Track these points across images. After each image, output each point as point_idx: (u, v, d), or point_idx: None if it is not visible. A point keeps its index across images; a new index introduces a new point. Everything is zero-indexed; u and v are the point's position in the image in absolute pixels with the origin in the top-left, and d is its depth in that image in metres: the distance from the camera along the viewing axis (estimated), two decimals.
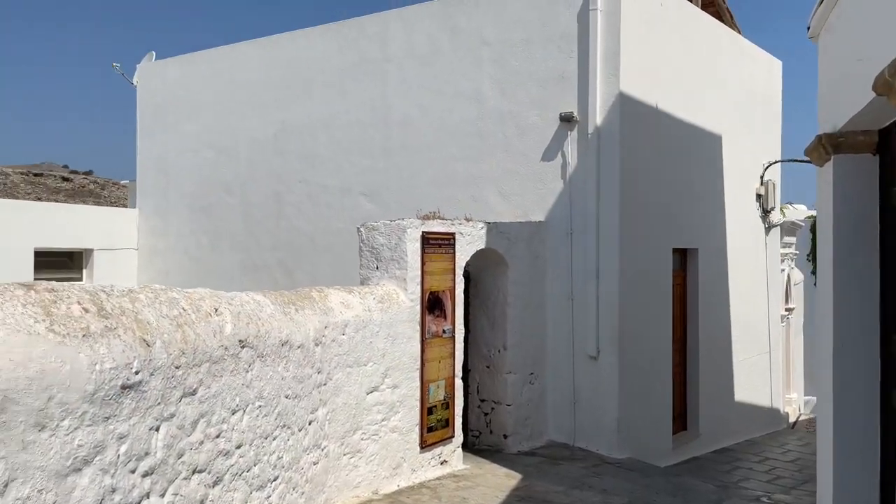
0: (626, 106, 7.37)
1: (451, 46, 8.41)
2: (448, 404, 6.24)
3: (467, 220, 6.78)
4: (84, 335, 2.51)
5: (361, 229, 6.16)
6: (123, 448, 2.69)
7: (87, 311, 2.63)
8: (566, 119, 7.49)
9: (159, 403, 3.00)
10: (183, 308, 3.43)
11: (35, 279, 10.66)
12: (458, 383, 6.41)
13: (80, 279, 11.64)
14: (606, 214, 7.30)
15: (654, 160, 7.93)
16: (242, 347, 3.85)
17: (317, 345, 4.80)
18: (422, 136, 8.65)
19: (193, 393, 3.33)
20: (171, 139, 11.32)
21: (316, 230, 9.58)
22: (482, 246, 6.80)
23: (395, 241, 5.96)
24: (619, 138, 7.29)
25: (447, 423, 6.23)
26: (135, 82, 11.99)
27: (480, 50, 8.18)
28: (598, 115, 7.35)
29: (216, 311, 3.73)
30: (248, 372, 3.89)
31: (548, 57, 7.70)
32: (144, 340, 2.93)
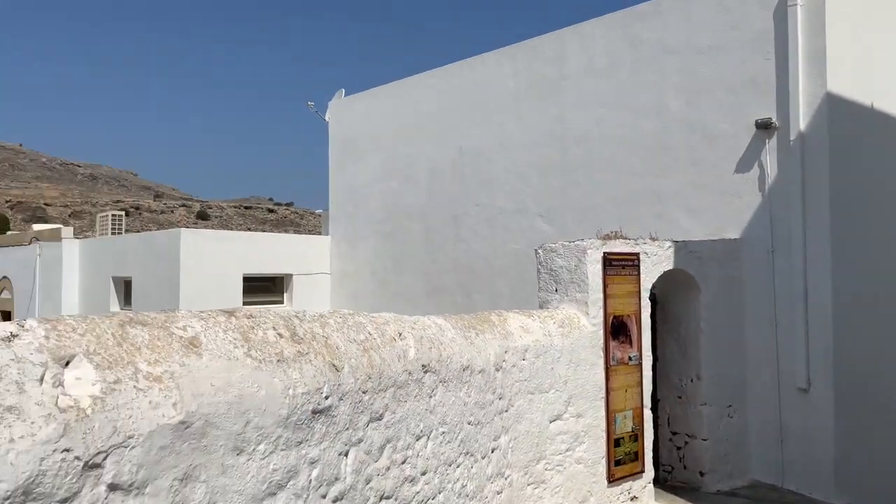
0: (835, 108, 6.57)
1: (631, 58, 8.07)
2: (637, 436, 5.85)
3: (652, 239, 6.39)
4: (278, 360, 2.60)
5: (539, 251, 6.01)
6: (315, 473, 2.75)
7: (281, 336, 2.72)
8: (763, 126, 6.84)
9: (348, 428, 3.04)
10: (369, 333, 3.48)
11: (244, 303, 11.72)
12: (648, 414, 6.00)
13: (282, 302, 12.63)
14: (815, 229, 6.53)
15: (872, 166, 7.00)
16: (425, 372, 3.84)
17: (497, 370, 4.70)
18: (601, 152, 8.36)
19: (380, 418, 3.35)
20: (358, 170, 11.98)
21: (493, 253, 9.58)
22: (669, 266, 6.36)
23: (575, 263, 5.74)
24: (828, 143, 6.52)
25: (636, 456, 5.84)
26: (327, 119, 12.89)
27: (663, 59, 7.75)
28: (801, 120, 6.62)
29: (400, 335, 3.75)
30: (431, 397, 3.87)
31: (740, 61, 7.10)
32: (334, 365, 2.99)
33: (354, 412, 3.11)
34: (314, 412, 2.77)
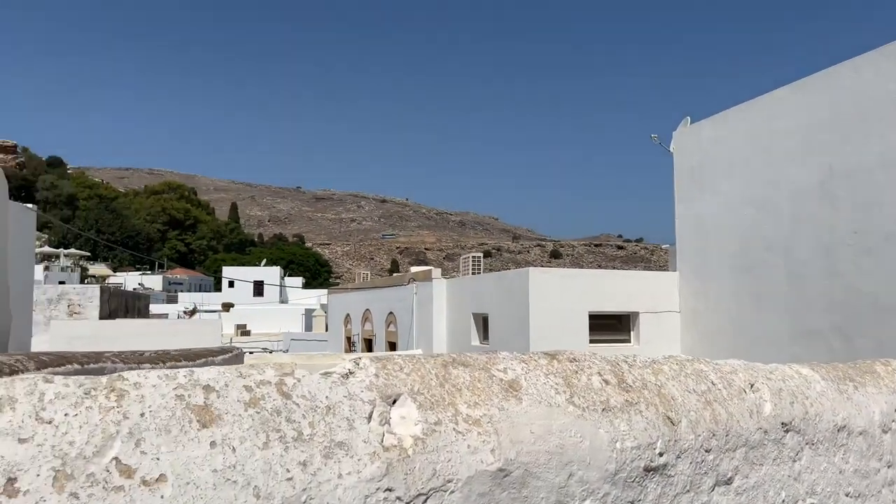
0: None
1: None
2: None
3: None
4: (603, 409, 2.41)
5: None
6: None
7: (607, 383, 2.54)
8: None
9: (688, 491, 2.70)
10: (712, 382, 3.08)
11: (589, 341, 11.73)
12: None
13: (628, 341, 12.34)
14: None
15: None
16: (786, 431, 3.26)
17: (884, 432, 3.80)
18: None
19: (729, 482, 2.91)
20: (707, 200, 11.21)
21: (881, 288, 8.02)
22: None
23: None
24: None
25: None
26: (671, 149, 12.39)
27: None
28: None
29: (752, 386, 3.25)
30: (795, 462, 3.26)
31: None
32: (668, 418, 2.69)
33: (696, 473, 2.75)
34: (646, 469, 2.50)
